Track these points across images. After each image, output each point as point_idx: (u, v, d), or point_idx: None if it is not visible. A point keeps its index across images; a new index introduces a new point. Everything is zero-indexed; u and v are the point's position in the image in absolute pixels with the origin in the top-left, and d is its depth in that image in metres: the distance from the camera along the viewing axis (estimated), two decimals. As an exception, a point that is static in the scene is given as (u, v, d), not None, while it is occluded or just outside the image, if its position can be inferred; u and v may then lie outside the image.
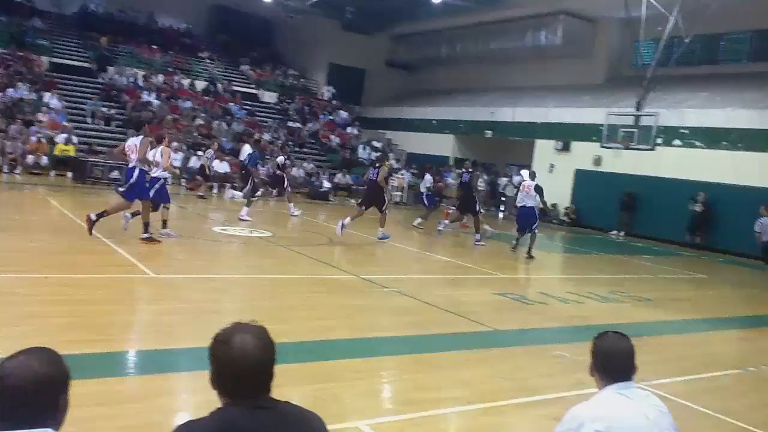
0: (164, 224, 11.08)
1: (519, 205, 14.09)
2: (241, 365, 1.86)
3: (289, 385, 4.94)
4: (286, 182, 16.75)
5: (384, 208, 13.88)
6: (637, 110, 18.50)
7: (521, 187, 14.35)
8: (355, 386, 5.31)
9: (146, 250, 9.90)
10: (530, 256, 13.65)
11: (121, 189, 10.84)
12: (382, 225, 13.86)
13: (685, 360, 7.29)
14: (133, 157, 10.28)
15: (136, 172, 10.24)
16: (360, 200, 15.21)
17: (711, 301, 11.75)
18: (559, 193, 23.56)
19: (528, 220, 13.84)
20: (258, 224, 13.80)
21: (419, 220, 17.00)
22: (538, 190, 13.75)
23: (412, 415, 4.76)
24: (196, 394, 4.66)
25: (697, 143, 20.33)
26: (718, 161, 19.53)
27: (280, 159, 17.16)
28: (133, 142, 10.46)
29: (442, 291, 9.62)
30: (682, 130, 20.63)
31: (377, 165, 14.53)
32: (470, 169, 15.63)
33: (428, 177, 20.13)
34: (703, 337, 8.73)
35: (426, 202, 19.18)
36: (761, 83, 21.06)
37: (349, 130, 31.07)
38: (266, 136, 26.00)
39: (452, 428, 4.96)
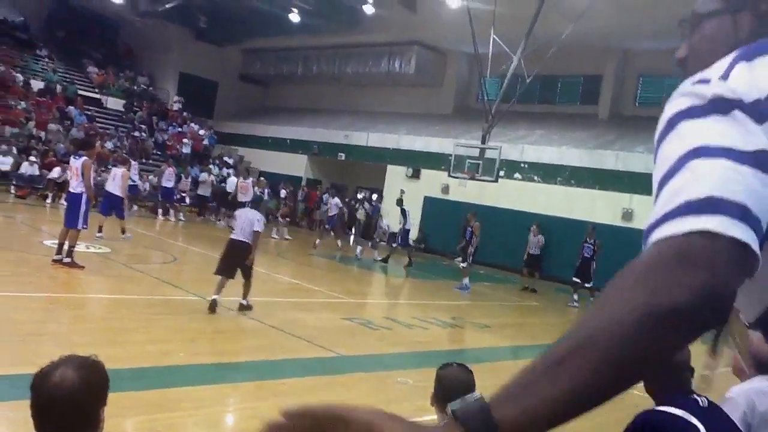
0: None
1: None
2: (52, 401, 1.71)
3: (122, 416, 4.61)
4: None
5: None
6: (483, 143, 19.43)
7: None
8: (194, 416, 5.07)
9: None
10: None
11: None
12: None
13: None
14: None
15: None
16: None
17: (540, 327, 12.49)
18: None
19: None
20: (95, 239, 12.91)
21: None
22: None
23: (254, 446, 4.59)
24: (16, 426, 4.22)
25: (535, 177, 21.77)
26: (552, 195, 21.01)
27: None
28: None
29: (288, 314, 9.47)
30: (521, 164, 22.00)
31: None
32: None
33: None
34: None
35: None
36: (590, 124, 23.04)
37: (205, 142, 30.04)
38: (108, 145, 24.54)
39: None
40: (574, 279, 15.96)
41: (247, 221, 8.79)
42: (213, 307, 8.49)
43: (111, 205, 13.96)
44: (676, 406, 2.25)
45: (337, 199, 20.86)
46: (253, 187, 20.07)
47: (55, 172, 19.72)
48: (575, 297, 15.59)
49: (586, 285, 15.70)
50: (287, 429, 0.77)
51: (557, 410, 0.72)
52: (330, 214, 20.32)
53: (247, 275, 8.89)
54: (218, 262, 8.84)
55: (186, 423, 4.94)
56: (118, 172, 14.48)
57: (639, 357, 0.71)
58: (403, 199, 18.99)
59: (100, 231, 13.31)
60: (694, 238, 0.72)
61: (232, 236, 8.93)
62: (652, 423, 2.24)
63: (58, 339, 6.60)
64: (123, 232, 13.90)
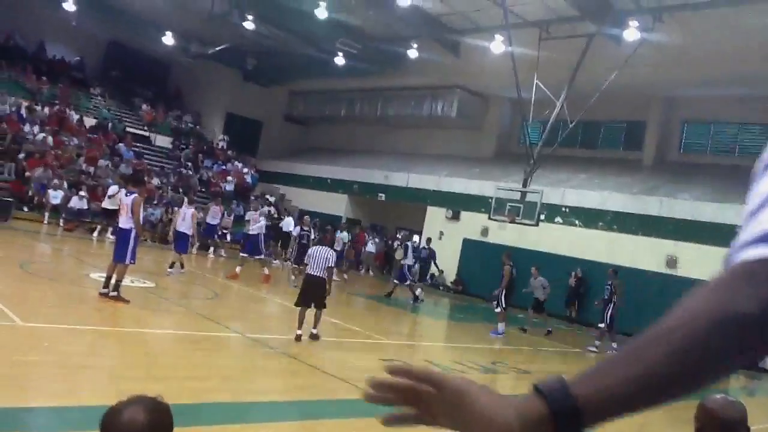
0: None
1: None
2: None
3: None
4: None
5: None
6: (524, 186, 19.39)
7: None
8: (234, 455, 5.07)
9: (14, 293, 9.17)
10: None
11: None
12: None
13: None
14: None
15: None
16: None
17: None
18: (448, 260, 24.13)
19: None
20: (140, 273, 13.16)
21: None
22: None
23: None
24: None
25: (576, 222, 21.55)
26: (593, 240, 20.74)
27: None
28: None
29: (328, 354, 9.47)
30: (563, 209, 21.83)
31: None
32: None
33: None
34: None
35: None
36: (633, 170, 22.80)
37: (247, 179, 30.57)
38: (155, 181, 25.14)
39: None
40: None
41: (322, 258, 9.90)
42: (299, 337, 9.71)
43: (181, 243, 15.15)
44: None
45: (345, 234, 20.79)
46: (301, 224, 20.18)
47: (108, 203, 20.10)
48: (597, 343, 15.13)
49: (599, 325, 15.38)
50: (389, 384, 0.92)
51: (630, 391, 0.81)
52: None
53: (320, 306, 10.01)
54: (298, 296, 10.05)
55: (226, 462, 4.94)
56: (188, 212, 15.54)
57: (708, 352, 0.80)
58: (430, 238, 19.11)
59: (172, 266, 14.64)
60: (764, 262, 0.82)
61: (308, 271, 10.02)
62: None
63: (100, 372, 6.69)
64: (182, 266, 14.96)
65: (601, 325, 15.29)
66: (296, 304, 9.89)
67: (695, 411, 2.45)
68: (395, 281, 18.59)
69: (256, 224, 16.69)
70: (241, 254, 16.93)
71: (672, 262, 19.16)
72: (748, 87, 19.94)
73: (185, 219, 15.37)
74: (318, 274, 9.89)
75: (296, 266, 16.33)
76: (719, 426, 2.33)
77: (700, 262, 18.60)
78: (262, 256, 16.71)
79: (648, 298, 19.18)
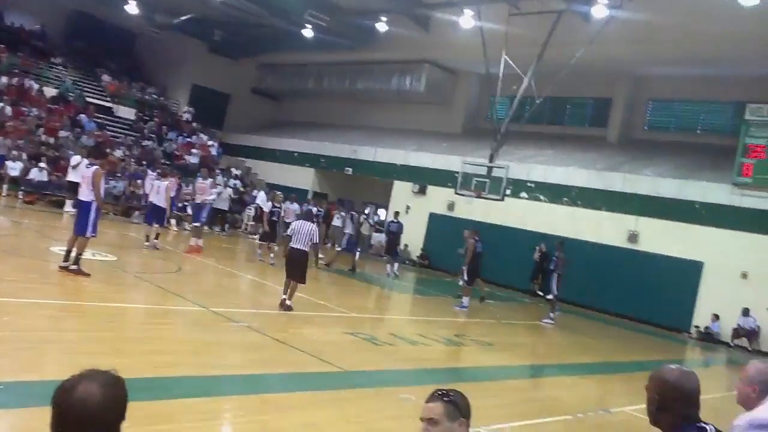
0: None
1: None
2: (77, 416, 1.70)
3: (125, 427, 4.63)
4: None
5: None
6: (490, 162, 19.50)
7: None
8: (197, 429, 5.07)
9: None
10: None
11: None
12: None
13: (521, 405, 7.65)
14: None
15: None
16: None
17: (545, 347, 12.47)
18: (414, 235, 24.27)
19: None
20: (102, 246, 12.98)
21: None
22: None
23: (256, 460, 4.61)
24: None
25: (541, 197, 21.79)
26: (558, 215, 21.02)
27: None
28: None
29: (292, 327, 9.49)
30: (528, 184, 22.04)
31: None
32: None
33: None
34: (538, 382, 9.22)
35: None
36: (598, 146, 23.09)
37: (212, 152, 30.15)
38: (117, 153, 24.69)
39: (296, 474, 4.85)
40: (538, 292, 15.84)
41: (306, 233, 10.38)
42: (283, 304, 10.20)
43: (155, 216, 15.18)
44: None
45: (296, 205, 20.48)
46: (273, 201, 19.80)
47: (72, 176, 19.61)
48: (551, 315, 15.37)
49: (548, 297, 15.68)
50: None
51: None
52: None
53: (300, 280, 10.41)
54: (285, 268, 10.48)
55: (189, 435, 4.95)
56: (162, 184, 15.52)
57: None
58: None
59: (147, 240, 14.83)
60: None
61: (292, 245, 10.43)
62: None
63: (63, 347, 6.62)
64: (156, 237, 14.97)
65: (550, 297, 15.59)
66: (287, 277, 10.44)
67: (647, 382, 2.52)
68: (338, 249, 18.94)
69: (205, 194, 16.30)
70: (193, 224, 16.65)
71: (633, 237, 19.53)
72: (712, 66, 20.26)
73: (159, 192, 15.36)
74: (302, 248, 10.30)
75: (264, 243, 16.20)
76: (677, 397, 2.40)
77: (661, 237, 19.02)
78: (198, 224, 16.15)
79: (611, 271, 19.61)
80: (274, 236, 16.04)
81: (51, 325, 7.34)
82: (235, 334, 8.55)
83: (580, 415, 7.50)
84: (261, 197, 19.46)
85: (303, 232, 10.34)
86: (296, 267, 10.30)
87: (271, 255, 15.90)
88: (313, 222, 10.80)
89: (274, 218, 16.27)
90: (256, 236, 18.31)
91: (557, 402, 8.09)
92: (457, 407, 2.45)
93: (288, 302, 10.26)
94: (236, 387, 6.33)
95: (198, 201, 16.47)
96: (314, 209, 17.09)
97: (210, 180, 17.45)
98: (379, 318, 12.94)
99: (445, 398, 2.43)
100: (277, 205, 16.74)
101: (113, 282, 10.65)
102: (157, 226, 15.08)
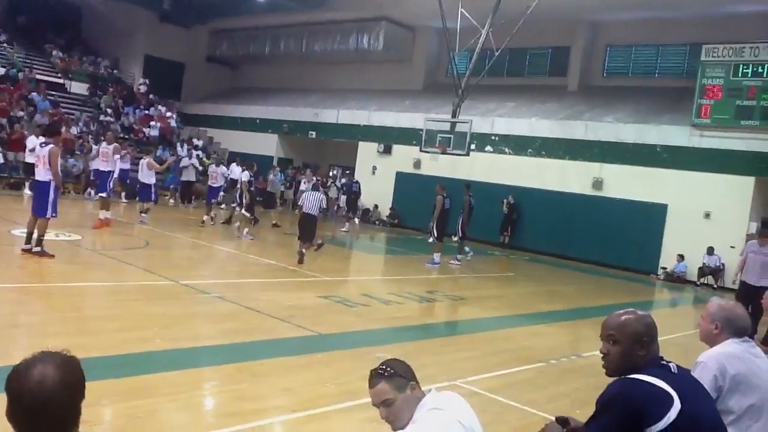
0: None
1: None
2: (35, 400, 1.63)
3: (100, 404, 4.59)
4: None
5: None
6: (453, 117, 19.42)
7: None
8: (174, 401, 5.05)
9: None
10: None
11: None
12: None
13: (495, 356, 7.75)
14: None
15: None
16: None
17: (517, 297, 12.65)
18: (382, 195, 24.26)
19: None
20: (65, 226, 12.71)
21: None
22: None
23: (236, 427, 4.61)
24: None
25: (506, 149, 21.87)
26: (523, 166, 21.15)
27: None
28: None
29: (264, 295, 9.45)
30: (492, 137, 22.08)
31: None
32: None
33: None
34: (510, 333, 9.35)
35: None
36: (559, 96, 23.16)
37: (171, 123, 29.53)
38: (73, 130, 24.08)
39: (276, 439, 4.87)
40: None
41: (316, 200, 12.52)
42: (301, 257, 12.39)
43: (144, 191, 15.97)
44: (647, 374, 2.30)
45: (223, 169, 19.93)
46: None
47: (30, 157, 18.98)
48: (458, 256, 15.87)
49: (453, 238, 16.19)
50: None
51: None
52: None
53: (309, 239, 12.53)
54: (298, 232, 12.67)
55: (167, 408, 4.92)
56: (144, 162, 15.99)
57: None
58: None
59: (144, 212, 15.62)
60: None
61: (305, 210, 12.48)
62: (625, 390, 2.28)
63: (31, 330, 6.52)
64: (146, 212, 15.61)
65: (455, 238, 16.11)
66: (299, 238, 12.57)
67: (602, 329, 2.53)
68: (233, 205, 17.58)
69: (109, 161, 15.04)
70: (99, 195, 15.54)
71: (598, 183, 19.77)
72: (668, 8, 20.33)
73: (142, 169, 15.93)
74: (313, 213, 12.38)
75: (248, 214, 15.59)
76: (635, 339, 2.43)
77: (625, 183, 19.28)
78: (104, 195, 14.65)
79: (578, 219, 19.89)
80: (254, 208, 15.86)
81: (16, 309, 7.20)
82: (207, 305, 8.49)
83: (552, 362, 7.64)
84: (235, 170, 18.73)
85: (313, 200, 12.43)
86: (306, 229, 12.35)
87: (246, 230, 15.40)
88: (319, 191, 13.08)
89: (253, 188, 16.28)
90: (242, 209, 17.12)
91: (530, 350, 8.22)
92: (400, 376, 2.46)
93: (303, 250, 12.41)
94: (210, 358, 6.31)
95: (102, 168, 15.04)
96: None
97: (114, 145, 15.65)
98: (352, 280, 12.97)
99: (385, 375, 2.44)
100: (253, 175, 16.58)
101: (78, 261, 10.47)
102: (145, 201, 15.74)
